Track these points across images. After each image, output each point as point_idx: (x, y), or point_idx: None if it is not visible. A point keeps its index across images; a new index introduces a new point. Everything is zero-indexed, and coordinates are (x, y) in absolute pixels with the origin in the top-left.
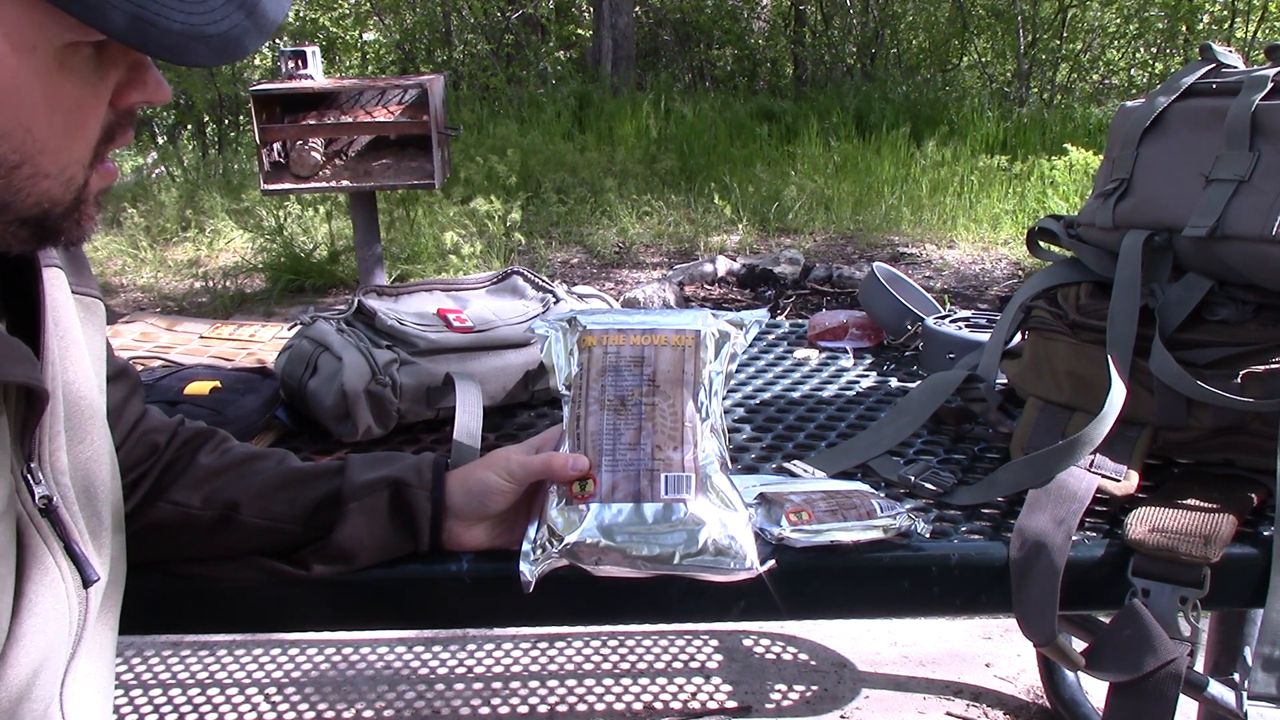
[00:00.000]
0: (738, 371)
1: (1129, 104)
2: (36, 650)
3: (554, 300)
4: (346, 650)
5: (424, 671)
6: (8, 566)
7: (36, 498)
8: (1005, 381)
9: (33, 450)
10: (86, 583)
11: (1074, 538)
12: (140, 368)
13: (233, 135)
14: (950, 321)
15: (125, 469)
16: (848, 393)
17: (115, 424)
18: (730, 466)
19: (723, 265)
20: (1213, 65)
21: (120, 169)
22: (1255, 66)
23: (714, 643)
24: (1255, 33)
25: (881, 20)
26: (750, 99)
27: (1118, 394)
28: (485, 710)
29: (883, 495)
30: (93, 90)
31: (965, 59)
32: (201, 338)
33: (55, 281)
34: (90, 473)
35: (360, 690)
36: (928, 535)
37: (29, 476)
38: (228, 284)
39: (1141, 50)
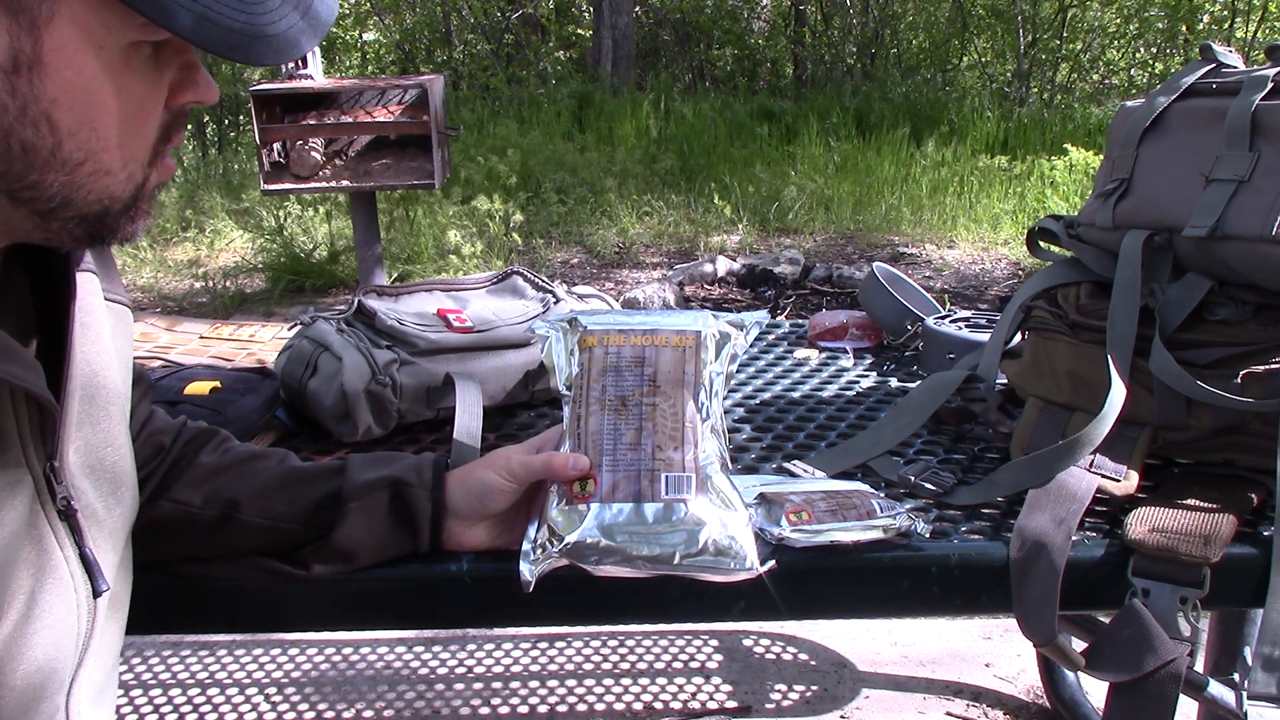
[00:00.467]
0: (738, 371)
1: (1129, 104)
2: (45, 661)
3: (554, 300)
4: (346, 650)
5: (424, 671)
6: (25, 567)
7: (57, 499)
8: (1005, 381)
9: (55, 449)
10: (96, 592)
11: (1074, 538)
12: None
13: (233, 135)
14: (950, 321)
15: None
16: (848, 393)
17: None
18: (730, 467)
19: (723, 265)
20: (1213, 65)
21: None
22: (1255, 66)
23: (714, 643)
24: (1255, 33)
25: (881, 20)
26: (750, 99)
27: (1118, 394)
28: (485, 710)
29: (883, 495)
30: (153, 89)
31: (965, 59)
32: (201, 338)
33: (89, 286)
34: (117, 477)
35: (360, 690)
36: (928, 535)
37: (51, 475)
38: (228, 284)
39: (1141, 50)
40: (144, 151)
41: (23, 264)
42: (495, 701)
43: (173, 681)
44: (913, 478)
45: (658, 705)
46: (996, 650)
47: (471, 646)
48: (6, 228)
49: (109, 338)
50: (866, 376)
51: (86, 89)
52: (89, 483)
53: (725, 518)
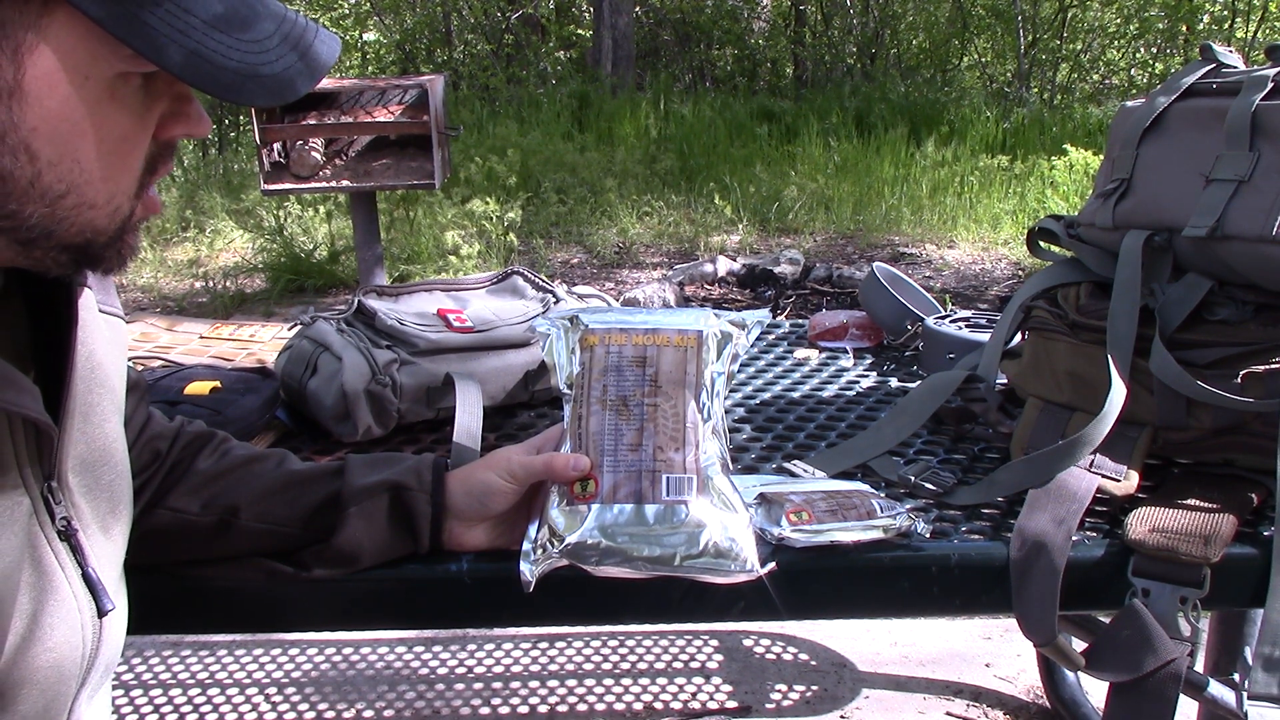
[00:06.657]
0: (739, 371)
1: (1129, 104)
2: (48, 685)
3: (554, 300)
4: (346, 650)
5: (424, 671)
6: (24, 589)
7: (56, 519)
8: (1005, 381)
9: (53, 469)
10: (101, 612)
11: (1074, 538)
12: (140, 368)
13: (233, 135)
14: (950, 321)
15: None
16: (848, 393)
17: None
18: (731, 467)
19: (723, 265)
20: (1213, 65)
21: None
22: (1255, 66)
23: (714, 643)
24: (1255, 33)
25: (881, 20)
26: (750, 99)
27: (1118, 394)
28: (485, 710)
29: (883, 495)
30: (140, 121)
31: (965, 59)
32: (201, 338)
33: (84, 302)
34: (116, 494)
35: (360, 690)
36: (928, 535)
37: (50, 496)
38: (228, 284)
39: (1141, 50)
40: (130, 184)
41: (20, 281)
42: (495, 701)
43: (173, 681)
44: (913, 478)
45: (658, 705)
46: (996, 650)
47: (471, 646)
48: None
49: (104, 354)
50: (866, 376)
51: (68, 119)
52: (88, 501)
53: (726, 520)
